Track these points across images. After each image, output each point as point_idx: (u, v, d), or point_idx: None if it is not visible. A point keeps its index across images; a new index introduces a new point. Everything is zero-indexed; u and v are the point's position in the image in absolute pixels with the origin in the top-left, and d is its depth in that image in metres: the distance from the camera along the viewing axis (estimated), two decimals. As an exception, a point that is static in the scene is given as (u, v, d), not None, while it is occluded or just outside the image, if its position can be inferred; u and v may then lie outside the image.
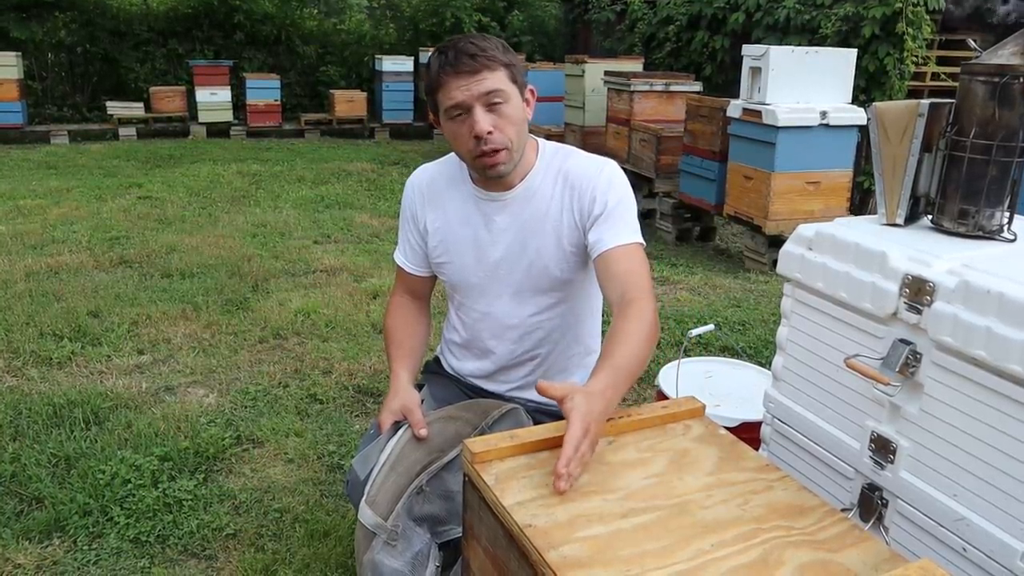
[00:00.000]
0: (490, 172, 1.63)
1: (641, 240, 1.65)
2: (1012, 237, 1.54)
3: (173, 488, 2.42)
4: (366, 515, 1.51)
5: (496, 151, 1.60)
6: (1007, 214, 1.54)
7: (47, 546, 2.18)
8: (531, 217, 1.71)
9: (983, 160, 1.48)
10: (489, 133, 1.57)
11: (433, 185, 1.81)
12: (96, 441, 2.67)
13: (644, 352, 1.44)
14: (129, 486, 2.41)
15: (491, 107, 1.57)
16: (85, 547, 2.17)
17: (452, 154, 1.80)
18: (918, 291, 1.37)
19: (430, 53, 1.65)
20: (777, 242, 5.06)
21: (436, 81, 1.59)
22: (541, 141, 1.76)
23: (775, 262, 5.36)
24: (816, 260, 1.58)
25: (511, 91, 1.60)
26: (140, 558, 2.14)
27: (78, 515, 2.28)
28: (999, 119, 1.45)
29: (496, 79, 1.57)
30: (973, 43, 1.52)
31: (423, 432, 1.60)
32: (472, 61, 1.55)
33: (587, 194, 1.67)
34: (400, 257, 1.90)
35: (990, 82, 1.45)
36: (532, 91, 1.68)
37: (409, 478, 1.54)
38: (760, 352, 3.54)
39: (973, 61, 1.48)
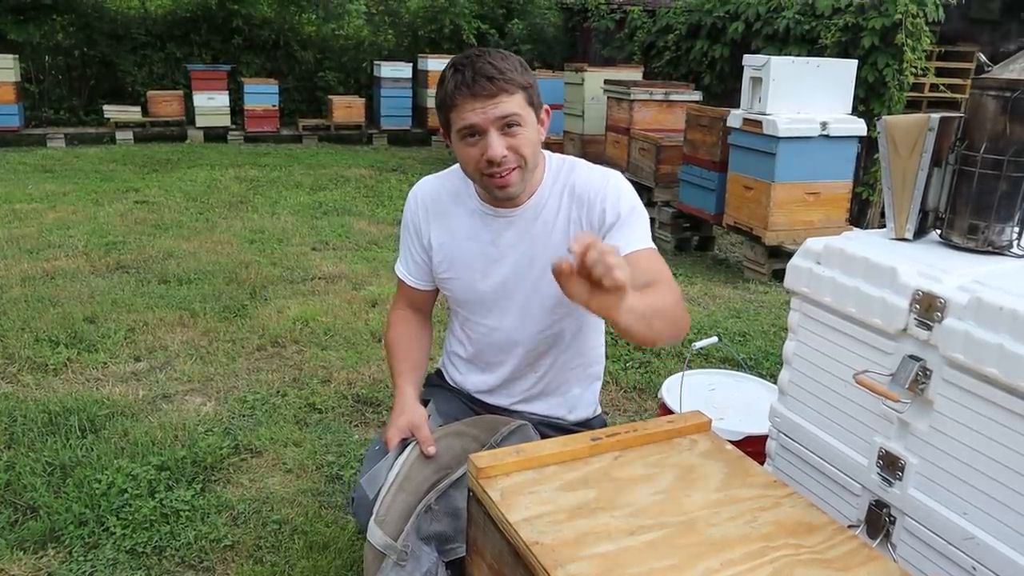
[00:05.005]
0: (500, 193, 1.61)
1: (655, 246, 1.64)
2: (1022, 253, 1.53)
3: (170, 498, 2.39)
4: (375, 535, 1.49)
5: (509, 171, 1.57)
6: (1017, 229, 1.53)
7: (42, 556, 2.16)
8: (539, 233, 1.70)
9: (993, 175, 1.47)
10: (504, 157, 1.54)
11: (437, 200, 1.79)
12: (92, 449, 2.64)
13: (670, 303, 1.44)
14: (126, 496, 2.38)
15: (507, 131, 1.54)
16: (80, 558, 2.15)
17: (455, 167, 1.79)
18: (928, 307, 1.36)
19: (445, 66, 1.59)
20: (777, 252, 5.07)
21: (450, 100, 1.54)
22: (547, 154, 1.73)
23: (775, 272, 5.35)
24: (824, 274, 1.57)
25: (527, 114, 1.56)
26: (137, 569, 2.12)
27: (73, 525, 2.25)
28: (1010, 134, 1.44)
29: (513, 103, 1.53)
30: (983, 57, 1.51)
31: (431, 449, 1.58)
32: (490, 84, 1.50)
33: (596, 207, 1.65)
34: (402, 270, 1.88)
35: (1001, 97, 1.44)
36: (547, 111, 1.65)
37: (418, 497, 1.52)
38: (760, 363, 3.53)
39: (984, 75, 1.48)
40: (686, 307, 1.55)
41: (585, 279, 1.18)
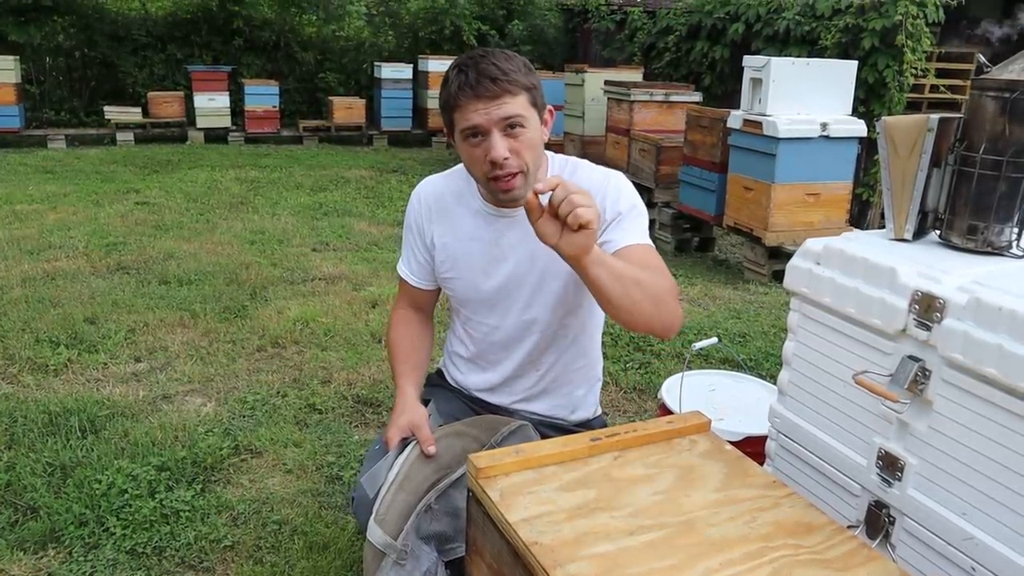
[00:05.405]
0: (503, 196, 1.61)
1: (652, 244, 1.65)
2: (1021, 253, 1.53)
3: (170, 498, 2.39)
4: (375, 534, 1.49)
5: (512, 176, 1.57)
6: (1016, 230, 1.53)
7: (42, 557, 2.16)
8: None
9: (993, 176, 1.47)
10: (506, 159, 1.54)
11: (440, 200, 1.79)
12: (92, 450, 2.64)
13: (653, 281, 1.47)
14: (126, 496, 2.38)
15: (509, 132, 1.54)
16: (80, 558, 2.15)
17: (458, 167, 1.78)
18: (928, 307, 1.36)
19: (449, 67, 1.59)
20: (777, 253, 5.07)
21: (453, 100, 1.54)
22: (549, 155, 1.74)
23: (775, 273, 5.36)
24: (824, 275, 1.57)
25: (531, 116, 1.56)
26: (137, 570, 2.12)
27: (74, 525, 2.25)
28: (1009, 134, 1.44)
29: (517, 104, 1.53)
30: (982, 58, 1.51)
31: (432, 449, 1.59)
32: (494, 85, 1.50)
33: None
34: (404, 270, 1.88)
35: (1000, 97, 1.44)
36: (551, 111, 1.65)
37: (418, 496, 1.52)
38: (760, 364, 3.53)
39: (983, 76, 1.48)
40: (681, 305, 1.55)
41: (554, 218, 1.27)
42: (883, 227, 1.70)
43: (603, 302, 1.43)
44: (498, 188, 1.59)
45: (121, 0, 11.24)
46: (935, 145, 1.53)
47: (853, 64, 5.22)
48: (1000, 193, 1.48)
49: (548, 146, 1.70)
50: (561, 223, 1.28)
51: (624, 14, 9.98)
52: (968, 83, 5.65)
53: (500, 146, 1.53)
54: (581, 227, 1.26)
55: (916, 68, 6.16)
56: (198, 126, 9.85)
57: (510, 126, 1.54)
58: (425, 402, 1.80)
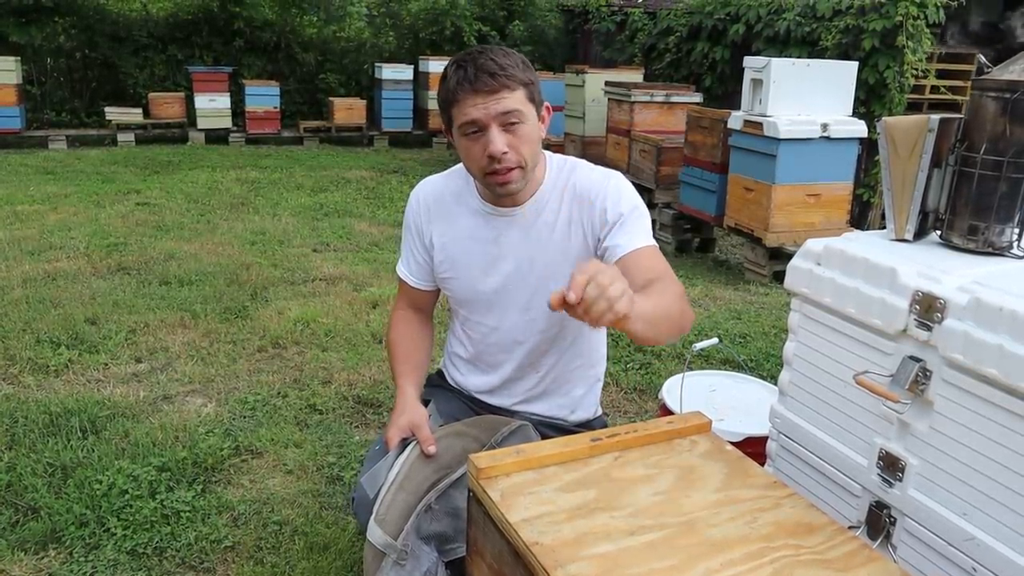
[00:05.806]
0: (500, 190, 1.62)
1: (656, 244, 1.65)
2: (1022, 254, 1.53)
3: (171, 499, 2.39)
4: (375, 534, 1.49)
5: (509, 170, 1.57)
6: (1017, 231, 1.53)
7: (43, 557, 2.16)
8: (540, 232, 1.70)
9: (993, 176, 1.48)
10: (504, 153, 1.55)
11: (440, 199, 1.80)
12: (93, 450, 2.64)
13: (673, 302, 1.44)
14: (126, 496, 2.38)
15: (507, 127, 1.55)
16: (81, 559, 2.15)
17: (457, 167, 1.79)
18: (928, 307, 1.36)
19: (448, 63, 1.60)
20: (777, 254, 5.07)
21: (452, 96, 1.55)
22: (548, 154, 1.74)
23: (775, 274, 5.35)
24: (824, 275, 1.57)
25: (528, 111, 1.57)
26: (137, 570, 2.12)
27: (74, 526, 2.25)
28: (1010, 135, 1.44)
29: (514, 99, 1.54)
30: (983, 58, 1.52)
31: (432, 449, 1.59)
32: (492, 80, 1.51)
33: (596, 207, 1.66)
34: (403, 270, 1.88)
35: (1001, 98, 1.44)
36: (548, 108, 1.66)
37: (418, 496, 1.52)
38: (761, 365, 3.53)
39: (984, 76, 1.48)
40: (686, 296, 1.56)
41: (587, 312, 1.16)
42: (884, 227, 1.70)
43: (636, 340, 1.42)
44: (495, 182, 1.59)
45: (122, 1, 11.24)
46: (936, 145, 1.54)
47: (853, 65, 5.22)
48: (1001, 193, 1.49)
49: (548, 147, 1.70)
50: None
51: (624, 15, 9.98)
52: (969, 84, 5.64)
53: (498, 140, 1.53)
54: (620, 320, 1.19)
55: (917, 69, 6.16)
56: (199, 127, 9.85)
57: (508, 121, 1.54)
58: (425, 402, 1.80)
